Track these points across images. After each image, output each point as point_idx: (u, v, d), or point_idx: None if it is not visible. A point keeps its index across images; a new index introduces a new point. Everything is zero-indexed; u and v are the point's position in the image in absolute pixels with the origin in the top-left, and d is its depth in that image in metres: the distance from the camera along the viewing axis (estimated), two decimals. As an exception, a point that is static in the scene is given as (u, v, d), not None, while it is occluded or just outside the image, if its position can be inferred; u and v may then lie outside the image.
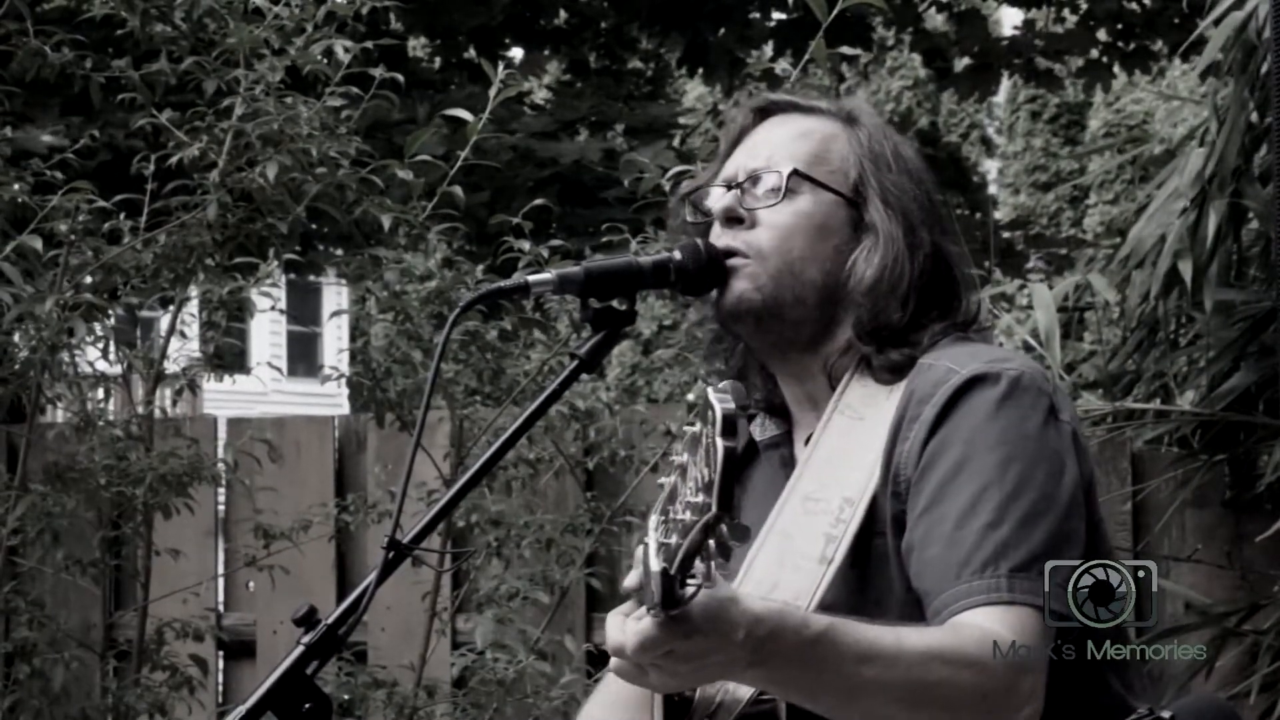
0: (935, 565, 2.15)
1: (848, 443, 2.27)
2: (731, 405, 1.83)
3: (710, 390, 1.87)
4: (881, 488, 2.23)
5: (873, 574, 2.24)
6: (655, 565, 1.88)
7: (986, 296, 5.11)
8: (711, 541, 1.84)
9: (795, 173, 2.31)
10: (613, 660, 2.03)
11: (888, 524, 2.22)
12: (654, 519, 1.91)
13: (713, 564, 1.88)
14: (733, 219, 2.33)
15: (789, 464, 2.37)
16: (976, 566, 2.12)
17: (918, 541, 2.18)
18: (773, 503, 2.32)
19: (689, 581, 1.89)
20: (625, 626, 1.97)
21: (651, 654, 1.95)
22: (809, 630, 2.02)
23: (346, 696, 4.35)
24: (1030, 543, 2.13)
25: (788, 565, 2.23)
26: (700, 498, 1.84)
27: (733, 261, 2.31)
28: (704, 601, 1.92)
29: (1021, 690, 2.10)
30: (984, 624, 2.10)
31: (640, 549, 1.94)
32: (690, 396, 1.87)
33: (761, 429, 2.43)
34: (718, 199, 2.36)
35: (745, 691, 2.18)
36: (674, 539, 1.87)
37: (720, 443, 1.81)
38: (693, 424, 1.88)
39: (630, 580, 1.99)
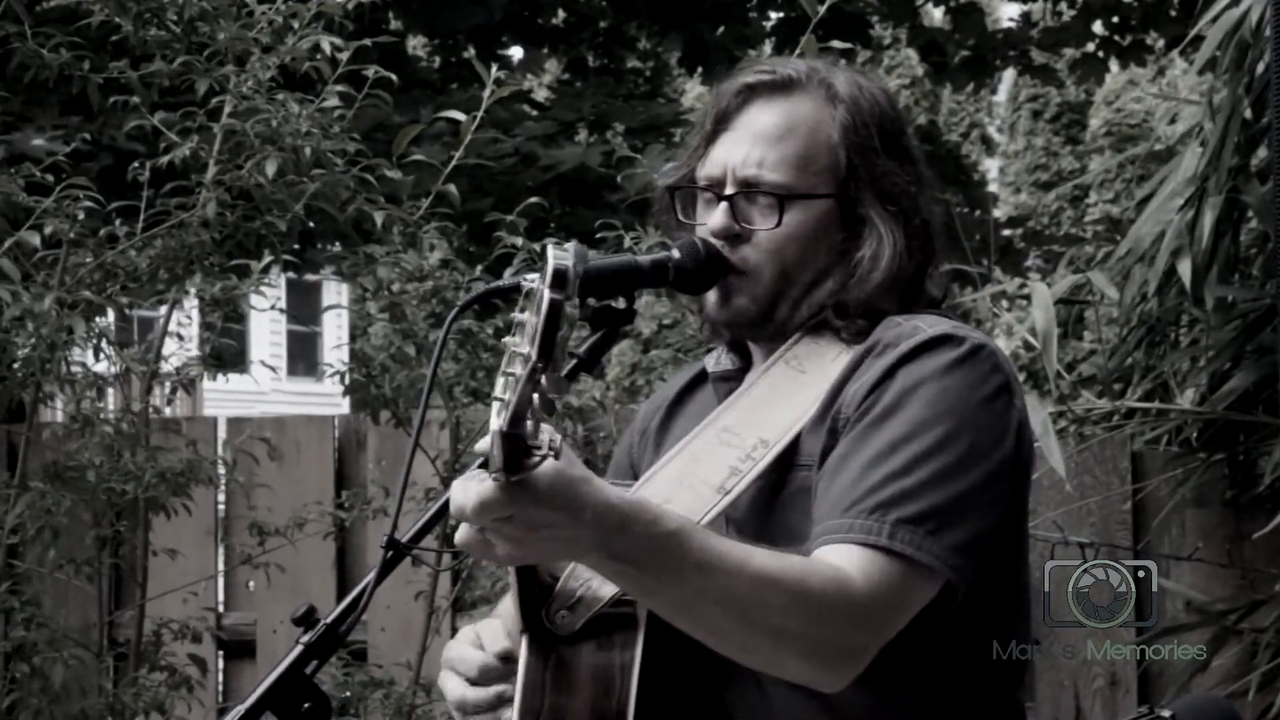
0: (833, 496, 2.17)
1: (781, 390, 2.30)
2: (566, 261, 1.85)
3: (550, 246, 1.88)
4: (813, 425, 2.24)
5: (787, 502, 2.25)
6: (494, 424, 1.87)
7: (986, 295, 5.12)
8: (535, 395, 1.84)
9: (786, 196, 2.30)
10: (459, 534, 2.01)
11: (816, 459, 2.23)
12: (499, 379, 1.90)
13: (553, 437, 1.88)
14: (729, 237, 2.33)
15: None
16: (868, 507, 2.13)
17: (828, 472, 2.20)
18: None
19: (534, 450, 1.88)
20: (468, 488, 1.96)
21: (490, 516, 1.94)
22: (659, 527, 2.02)
23: (345, 695, 4.35)
24: (928, 500, 2.13)
25: (685, 485, 2.24)
26: (525, 349, 1.85)
27: (733, 281, 2.33)
28: (550, 473, 1.93)
29: (852, 646, 2.10)
30: (843, 564, 2.10)
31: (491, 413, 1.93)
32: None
33: (717, 361, 2.45)
34: (710, 211, 2.35)
35: (607, 590, 2.17)
36: (507, 395, 1.86)
37: (546, 293, 1.83)
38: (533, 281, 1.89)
39: (480, 444, 1.98)
